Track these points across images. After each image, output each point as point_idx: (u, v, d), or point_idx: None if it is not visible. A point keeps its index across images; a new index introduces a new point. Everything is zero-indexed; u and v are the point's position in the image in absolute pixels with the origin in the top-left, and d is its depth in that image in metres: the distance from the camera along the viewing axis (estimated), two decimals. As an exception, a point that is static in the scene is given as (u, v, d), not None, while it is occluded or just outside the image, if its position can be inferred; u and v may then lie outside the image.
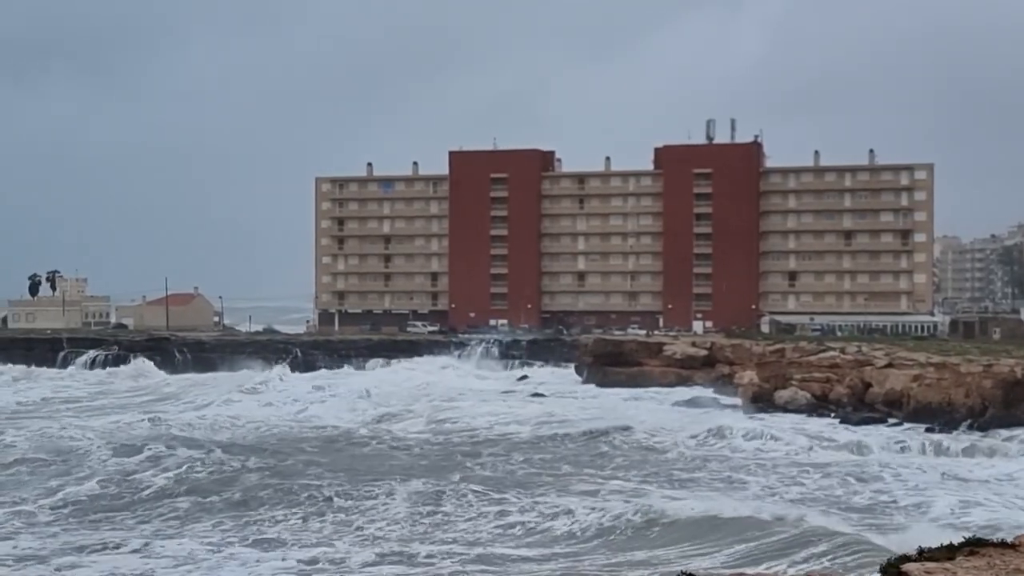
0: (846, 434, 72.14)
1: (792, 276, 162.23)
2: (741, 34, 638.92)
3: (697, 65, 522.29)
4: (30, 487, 53.76)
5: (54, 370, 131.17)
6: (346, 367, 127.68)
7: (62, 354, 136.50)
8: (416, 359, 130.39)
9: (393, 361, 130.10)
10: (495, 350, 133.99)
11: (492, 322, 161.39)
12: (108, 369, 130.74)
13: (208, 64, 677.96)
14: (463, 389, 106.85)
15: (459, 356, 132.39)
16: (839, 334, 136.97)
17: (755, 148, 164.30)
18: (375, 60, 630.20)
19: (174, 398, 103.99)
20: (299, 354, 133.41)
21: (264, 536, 43.31)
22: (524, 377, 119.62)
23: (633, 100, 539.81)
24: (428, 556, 39.51)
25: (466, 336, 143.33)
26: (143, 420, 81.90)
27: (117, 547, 41.36)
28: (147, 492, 52.70)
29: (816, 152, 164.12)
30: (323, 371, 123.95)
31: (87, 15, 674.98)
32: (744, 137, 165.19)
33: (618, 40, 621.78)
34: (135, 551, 40.74)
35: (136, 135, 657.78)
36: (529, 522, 45.17)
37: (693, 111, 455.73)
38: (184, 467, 58.00)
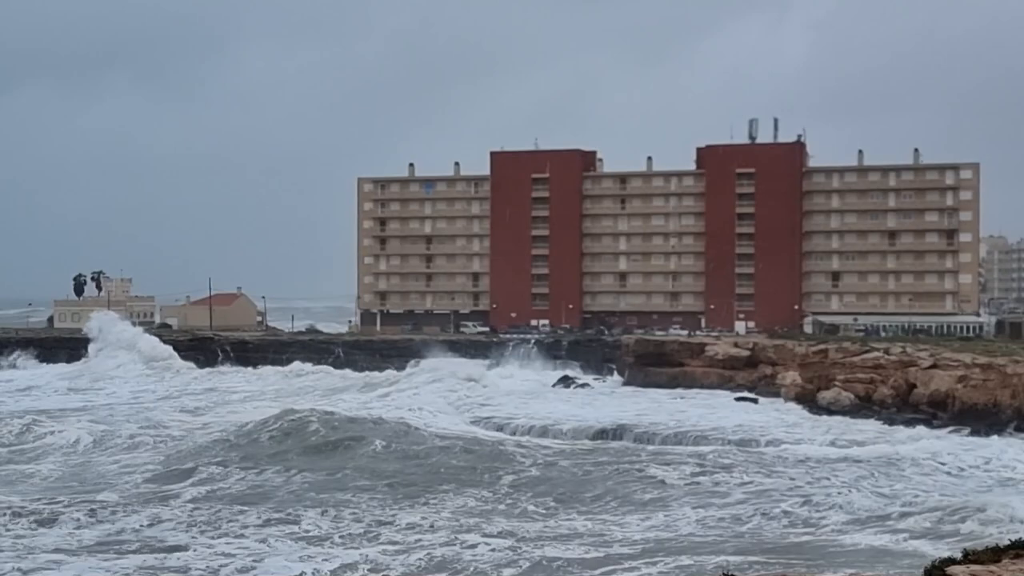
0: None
1: (835, 276, 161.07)
2: (787, 38, 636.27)
3: (742, 68, 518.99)
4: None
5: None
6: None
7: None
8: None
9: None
10: (536, 350, 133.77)
11: (533, 322, 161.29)
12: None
13: (261, 71, 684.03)
14: (511, 390, 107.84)
15: (501, 356, 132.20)
16: (883, 335, 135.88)
17: (798, 148, 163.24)
18: (421, 63, 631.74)
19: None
20: (341, 354, 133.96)
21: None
22: (569, 379, 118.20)
23: (677, 103, 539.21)
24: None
25: (507, 336, 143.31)
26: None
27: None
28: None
29: (860, 152, 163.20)
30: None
31: (146, 23, 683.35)
32: (787, 137, 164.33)
33: (665, 45, 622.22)
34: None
35: (186, 140, 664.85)
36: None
37: (737, 113, 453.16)
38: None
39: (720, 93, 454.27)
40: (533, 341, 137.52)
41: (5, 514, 49.44)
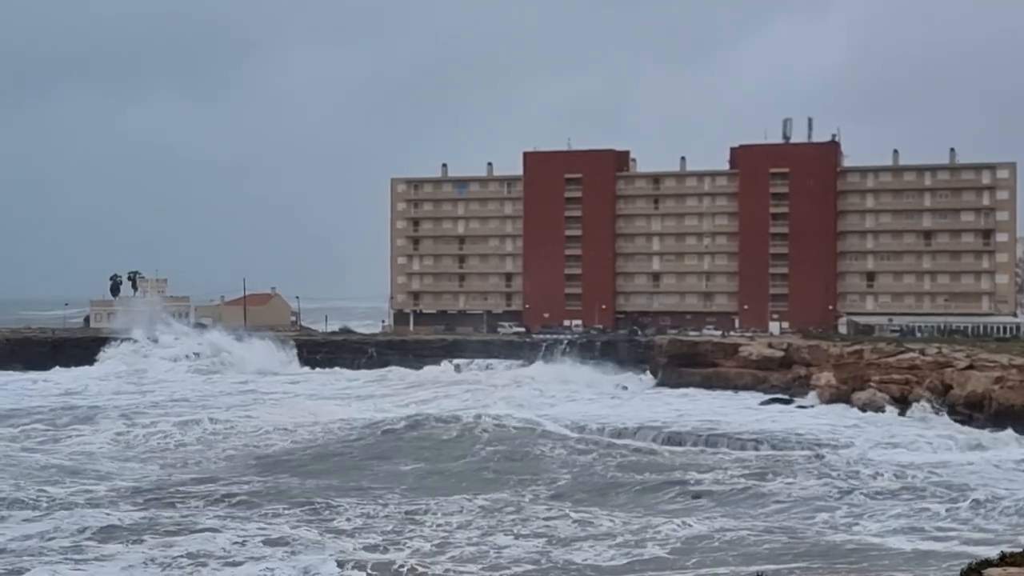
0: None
1: (870, 277, 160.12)
2: (823, 40, 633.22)
3: (777, 69, 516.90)
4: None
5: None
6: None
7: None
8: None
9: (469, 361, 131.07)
10: (569, 350, 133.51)
11: (566, 322, 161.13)
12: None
13: (298, 74, 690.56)
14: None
15: (534, 357, 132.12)
16: (919, 335, 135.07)
17: (833, 147, 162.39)
18: (456, 65, 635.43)
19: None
20: (375, 354, 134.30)
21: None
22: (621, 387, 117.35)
23: (711, 104, 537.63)
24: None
25: (540, 337, 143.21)
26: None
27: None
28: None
29: (895, 151, 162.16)
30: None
31: (187, 28, 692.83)
32: (821, 137, 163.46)
33: (701, 47, 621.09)
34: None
35: (223, 141, 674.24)
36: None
37: (771, 113, 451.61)
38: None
39: (755, 94, 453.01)
40: (566, 342, 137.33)
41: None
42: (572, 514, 50.34)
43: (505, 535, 46.87)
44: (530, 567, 41.94)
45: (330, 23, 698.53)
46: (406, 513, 50.74)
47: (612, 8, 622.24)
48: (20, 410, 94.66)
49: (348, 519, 49.87)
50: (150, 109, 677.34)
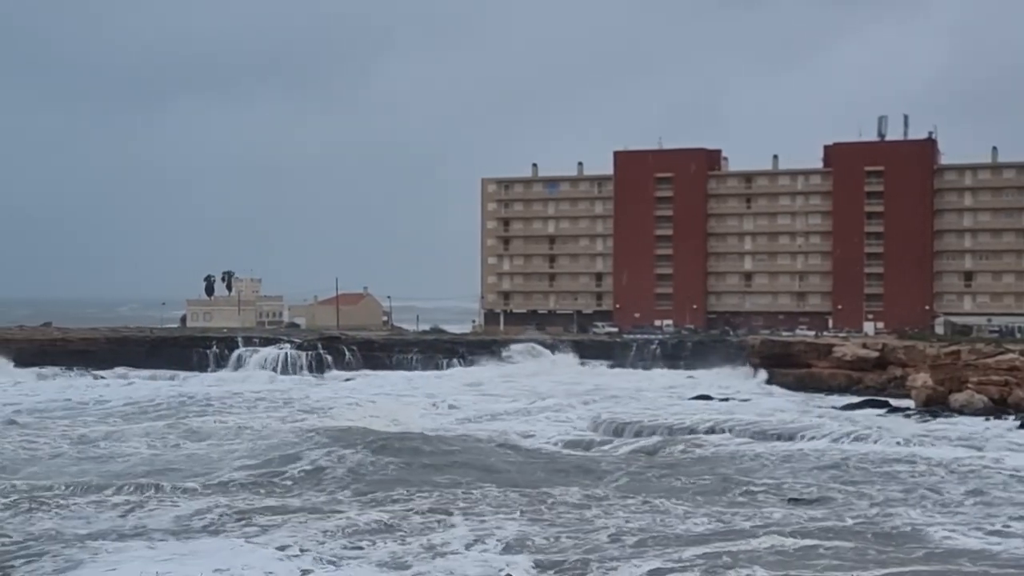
0: None
1: (968, 276, 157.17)
2: (920, 42, 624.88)
3: (874, 71, 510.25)
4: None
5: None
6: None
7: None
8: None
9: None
10: (659, 350, 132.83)
11: (657, 323, 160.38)
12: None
13: (403, 78, 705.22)
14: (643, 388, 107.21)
15: (625, 356, 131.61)
16: (1019, 336, 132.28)
17: (929, 145, 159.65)
18: (554, 68, 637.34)
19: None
20: (465, 354, 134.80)
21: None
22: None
23: (806, 105, 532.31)
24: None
25: (631, 337, 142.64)
26: None
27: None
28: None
29: (994, 148, 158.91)
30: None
31: (299, 37, 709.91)
32: (917, 136, 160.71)
33: (798, 50, 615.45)
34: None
35: (326, 146, 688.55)
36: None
37: (866, 113, 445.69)
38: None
39: (850, 95, 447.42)
40: (657, 342, 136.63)
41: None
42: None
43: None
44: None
45: (438, 31, 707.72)
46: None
47: (713, 12, 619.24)
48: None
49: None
50: (262, 116, 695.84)
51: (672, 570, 38.76)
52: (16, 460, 63.63)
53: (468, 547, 42.22)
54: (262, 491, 54.11)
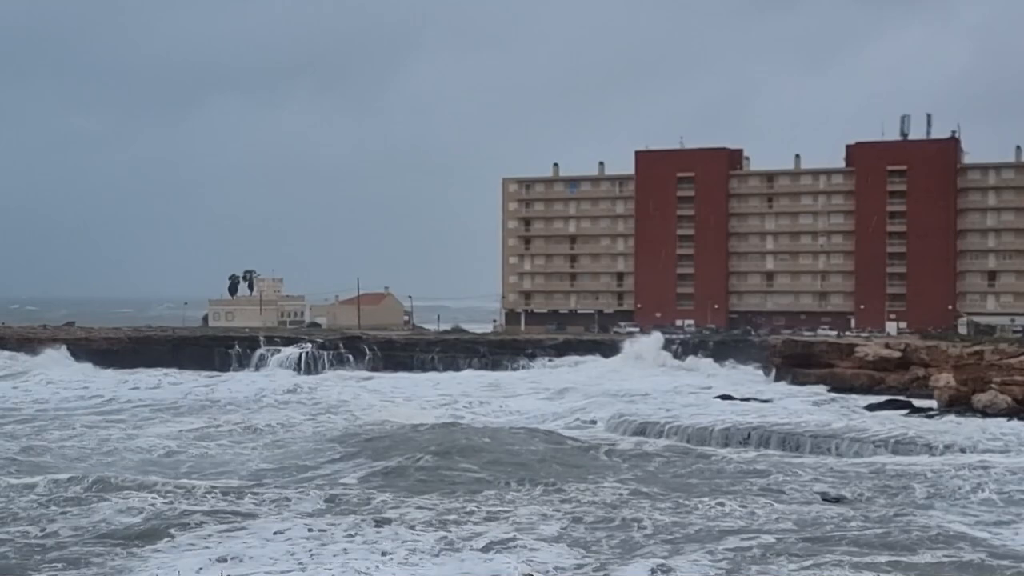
0: None
1: (992, 276, 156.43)
2: (945, 45, 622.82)
3: (897, 73, 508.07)
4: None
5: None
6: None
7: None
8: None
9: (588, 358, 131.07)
10: (681, 350, 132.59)
11: (678, 322, 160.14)
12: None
13: (430, 80, 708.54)
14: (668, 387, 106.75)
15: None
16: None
17: (952, 144, 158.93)
18: (582, 70, 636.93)
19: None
20: (487, 353, 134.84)
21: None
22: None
23: (828, 106, 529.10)
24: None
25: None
26: None
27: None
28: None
29: (1018, 147, 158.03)
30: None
31: (329, 39, 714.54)
32: (940, 135, 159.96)
33: (824, 53, 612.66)
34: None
35: (351, 147, 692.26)
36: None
37: (890, 112, 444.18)
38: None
39: (873, 96, 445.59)
40: (679, 341, 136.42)
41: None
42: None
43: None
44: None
45: (468, 33, 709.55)
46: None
47: (742, 15, 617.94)
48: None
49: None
50: (290, 117, 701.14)
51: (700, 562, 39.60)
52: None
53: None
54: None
